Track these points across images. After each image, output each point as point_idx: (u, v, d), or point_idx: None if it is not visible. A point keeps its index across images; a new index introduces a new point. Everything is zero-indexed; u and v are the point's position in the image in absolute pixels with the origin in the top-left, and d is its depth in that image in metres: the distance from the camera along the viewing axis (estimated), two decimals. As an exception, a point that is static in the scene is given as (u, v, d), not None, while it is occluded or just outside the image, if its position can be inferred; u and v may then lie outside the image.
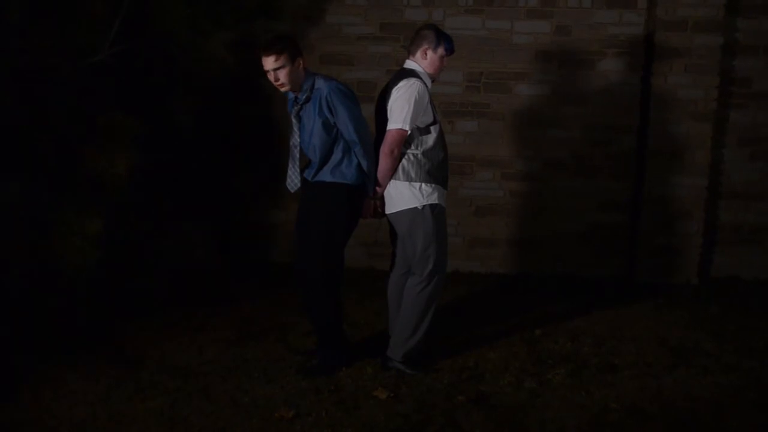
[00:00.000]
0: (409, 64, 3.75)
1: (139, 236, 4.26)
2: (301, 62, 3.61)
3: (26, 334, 4.12)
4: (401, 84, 3.61)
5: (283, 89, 3.64)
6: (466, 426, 3.22)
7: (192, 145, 4.93)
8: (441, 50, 3.70)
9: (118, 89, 4.39)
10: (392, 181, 3.67)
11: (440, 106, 4.03)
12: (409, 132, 3.57)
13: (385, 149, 3.59)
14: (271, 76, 3.59)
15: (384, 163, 3.61)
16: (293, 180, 3.77)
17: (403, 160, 3.64)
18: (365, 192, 3.70)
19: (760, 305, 4.87)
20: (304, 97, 3.65)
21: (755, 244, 5.42)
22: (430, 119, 3.65)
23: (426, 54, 3.70)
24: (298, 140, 3.72)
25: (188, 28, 4.35)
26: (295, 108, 3.71)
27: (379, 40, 5.37)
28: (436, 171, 3.67)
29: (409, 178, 3.63)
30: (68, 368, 3.75)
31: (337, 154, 3.66)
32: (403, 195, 3.64)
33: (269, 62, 3.55)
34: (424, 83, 3.66)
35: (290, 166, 3.76)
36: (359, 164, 3.66)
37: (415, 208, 3.63)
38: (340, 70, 5.33)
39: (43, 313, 4.26)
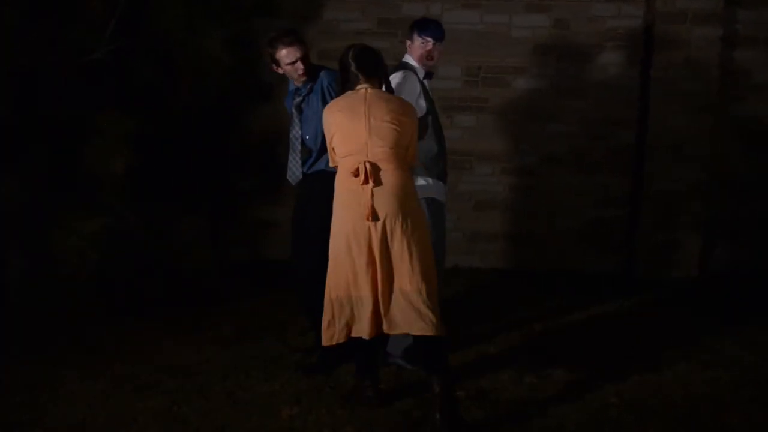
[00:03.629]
0: (406, 57, 3.80)
1: (137, 235, 4.25)
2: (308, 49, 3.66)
3: (25, 333, 4.13)
4: (391, 77, 3.62)
5: (302, 79, 3.65)
6: (467, 422, 3.21)
7: (189, 144, 4.92)
8: (417, 39, 3.73)
9: (116, 88, 4.38)
10: None
11: (438, 101, 4.02)
12: None
13: None
14: (294, 67, 3.59)
15: None
16: (295, 172, 3.76)
17: None
18: None
19: (760, 299, 4.85)
20: (308, 87, 3.64)
21: (755, 237, 5.40)
22: (423, 111, 3.64)
23: (408, 47, 3.78)
24: (300, 132, 3.71)
25: (185, 26, 4.34)
26: (297, 100, 3.70)
27: (377, 36, 5.33)
28: (432, 164, 3.64)
29: None
30: (67, 368, 3.75)
31: None
32: None
33: (295, 52, 3.56)
34: (416, 74, 3.68)
35: (291, 158, 3.76)
36: None
37: None
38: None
39: (41, 312, 4.27)
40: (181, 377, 3.65)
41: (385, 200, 3.06)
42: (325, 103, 3.62)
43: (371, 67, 3.17)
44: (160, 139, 4.49)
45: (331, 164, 3.26)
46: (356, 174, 3.06)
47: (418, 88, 3.64)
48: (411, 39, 3.76)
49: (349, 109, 3.12)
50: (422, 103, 3.65)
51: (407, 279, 3.07)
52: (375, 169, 3.06)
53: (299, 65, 3.58)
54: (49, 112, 4.10)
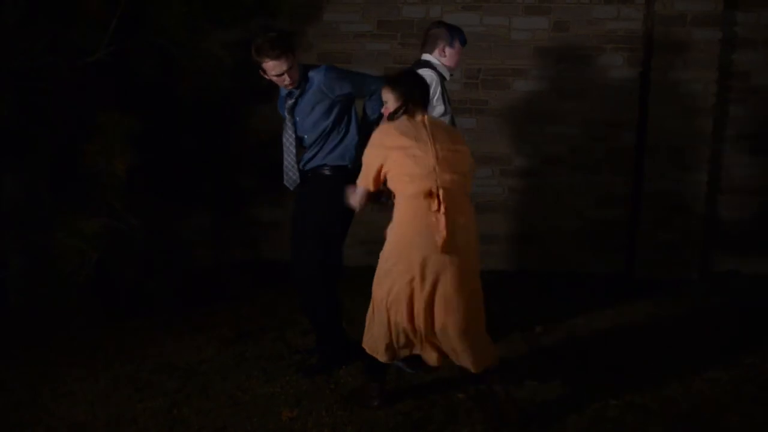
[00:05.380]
0: (426, 56, 3.82)
1: (137, 235, 4.25)
2: (296, 55, 3.61)
3: (25, 333, 4.12)
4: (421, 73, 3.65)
5: (290, 87, 3.62)
6: (467, 424, 3.21)
7: (190, 144, 4.92)
8: (457, 44, 3.81)
9: (116, 88, 4.38)
10: None
11: (438, 102, 4.04)
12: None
13: None
14: (280, 79, 3.55)
15: None
16: (291, 176, 3.73)
17: None
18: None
19: (760, 300, 4.85)
20: (299, 90, 3.63)
21: (755, 238, 5.40)
22: (442, 110, 3.70)
23: (444, 51, 3.80)
24: (294, 135, 3.69)
25: (185, 26, 4.34)
26: (288, 103, 3.67)
27: (377, 38, 5.35)
28: None
29: None
30: (67, 368, 3.75)
31: (333, 139, 3.65)
32: None
33: (281, 65, 3.50)
34: (440, 74, 3.73)
35: (287, 162, 3.73)
36: (354, 145, 3.68)
37: None
38: (338, 68, 5.32)
39: (41, 312, 4.26)
40: (181, 377, 3.65)
41: (462, 232, 3.05)
42: (328, 101, 3.61)
43: (427, 95, 3.22)
44: (160, 139, 4.49)
45: (365, 186, 3.19)
46: (429, 195, 3.00)
47: (440, 88, 3.70)
48: (451, 45, 3.78)
49: (412, 134, 3.07)
50: (443, 102, 3.71)
51: (472, 316, 3.11)
52: (448, 195, 3.02)
53: (286, 77, 3.54)
54: (50, 112, 4.10)
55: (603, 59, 5.29)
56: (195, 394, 3.48)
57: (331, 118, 3.61)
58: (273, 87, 3.77)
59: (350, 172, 3.58)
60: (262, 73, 3.61)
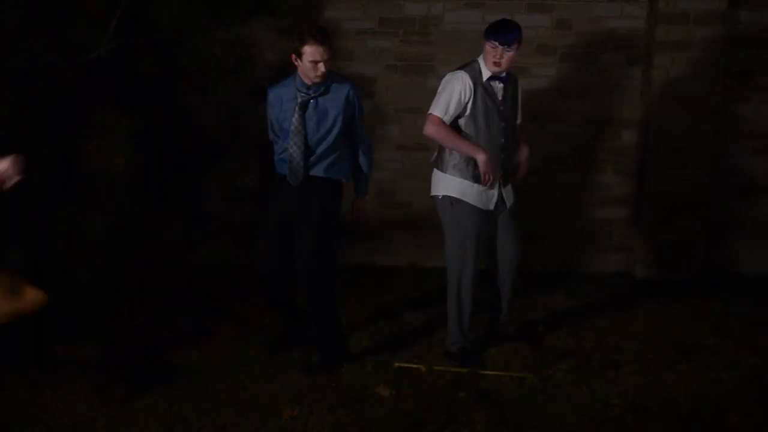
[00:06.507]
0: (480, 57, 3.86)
1: (137, 235, 4.26)
2: None
3: (26, 333, 4.12)
4: (447, 75, 3.78)
5: (318, 80, 3.58)
6: (468, 423, 3.22)
7: (189, 143, 4.92)
8: (485, 43, 3.77)
9: (116, 87, 4.38)
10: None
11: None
12: (443, 118, 3.67)
13: (426, 131, 3.71)
14: (315, 67, 3.52)
15: (438, 137, 3.71)
16: (296, 173, 3.70)
17: (441, 149, 3.82)
18: (358, 190, 3.91)
19: (762, 301, 4.84)
20: (321, 90, 3.61)
21: (758, 238, 5.38)
22: (467, 111, 3.73)
23: (485, 49, 3.79)
24: (304, 132, 3.64)
25: (185, 26, 4.34)
26: (302, 96, 3.62)
27: (378, 35, 5.33)
28: (464, 165, 3.74)
29: (439, 167, 3.83)
30: (67, 367, 3.74)
31: (337, 151, 3.65)
32: (433, 182, 3.85)
33: (324, 53, 3.50)
34: (477, 74, 3.76)
35: (294, 157, 3.66)
36: (349, 163, 3.78)
37: (436, 196, 3.81)
38: (340, 65, 5.27)
39: (41, 312, 4.25)
40: (181, 377, 3.65)
41: None
42: (346, 111, 3.64)
43: None
44: (160, 139, 4.49)
45: None
46: None
47: (459, 87, 3.69)
48: (485, 39, 3.78)
49: None
50: (462, 103, 3.71)
51: None
52: None
53: (321, 66, 3.52)
54: (49, 111, 4.09)
55: (605, 57, 5.27)
56: (195, 394, 3.49)
57: (342, 130, 3.64)
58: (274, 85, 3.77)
59: (343, 187, 3.76)
60: (293, 58, 3.56)
